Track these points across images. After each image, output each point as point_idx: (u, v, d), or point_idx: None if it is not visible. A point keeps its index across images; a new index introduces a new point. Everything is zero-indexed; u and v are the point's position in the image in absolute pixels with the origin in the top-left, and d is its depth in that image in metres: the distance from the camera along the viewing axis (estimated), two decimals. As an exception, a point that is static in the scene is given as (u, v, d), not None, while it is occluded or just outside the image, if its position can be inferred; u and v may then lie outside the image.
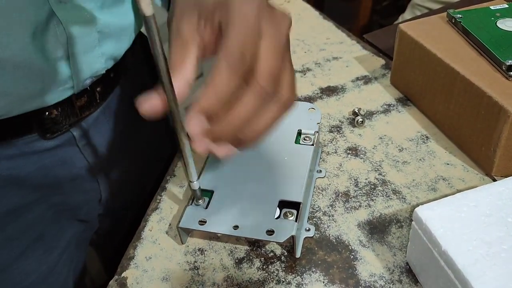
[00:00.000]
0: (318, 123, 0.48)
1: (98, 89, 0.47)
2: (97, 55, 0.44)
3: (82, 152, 0.50)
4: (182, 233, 0.41)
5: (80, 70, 0.43)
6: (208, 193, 0.42)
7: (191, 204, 0.41)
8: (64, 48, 0.40)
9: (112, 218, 0.62)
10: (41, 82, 0.41)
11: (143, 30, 0.62)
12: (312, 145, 0.46)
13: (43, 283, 0.53)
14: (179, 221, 0.40)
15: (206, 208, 0.41)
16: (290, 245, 0.41)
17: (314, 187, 0.46)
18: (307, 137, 0.47)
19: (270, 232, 0.38)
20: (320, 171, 0.48)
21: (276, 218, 0.40)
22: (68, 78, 0.43)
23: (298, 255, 0.41)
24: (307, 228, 0.42)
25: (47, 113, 0.44)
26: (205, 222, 0.40)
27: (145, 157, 0.62)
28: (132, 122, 0.56)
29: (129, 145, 0.57)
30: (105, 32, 0.44)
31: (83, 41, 0.42)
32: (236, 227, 0.39)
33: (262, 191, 0.42)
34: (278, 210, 0.40)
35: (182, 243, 0.42)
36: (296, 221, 0.39)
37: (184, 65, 0.33)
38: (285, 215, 0.40)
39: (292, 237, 0.38)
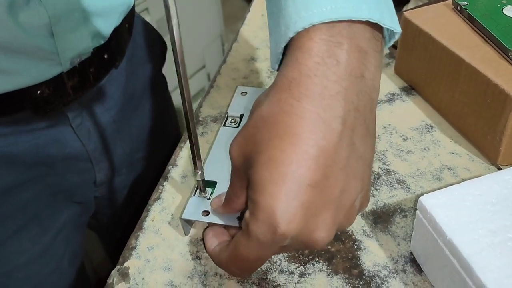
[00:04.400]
0: None
1: (91, 69, 0.46)
2: (83, 34, 0.44)
3: (75, 132, 0.49)
4: (185, 224, 0.41)
5: (66, 49, 0.43)
6: (211, 184, 0.42)
7: (194, 195, 0.41)
8: (47, 27, 0.40)
9: (113, 204, 0.62)
10: (25, 58, 0.40)
11: (137, 10, 0.60)
12: None
13: (35, 263, 0.53)
14: (182, 212, 0.40)
15: (210, 199, 0.41)
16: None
17: (318, 176, 0.46)
18: None
19: None
20: (324, 160, 0.47)
21: None
22: (54, 55, 0.42)
23: (301, 245, 0.40)
24: (310, 218, 0.42)
25: (38, 91, 0.43)
26: (209, 213, 0.39)
27: (145, 143, 0.62)
28: (128, 106, 0.55)
29: (125, 129, 0.56)
30: (90, 11, 0.43)
31: (66, 21, 0.41)
32: (239, 218, 0.39)
33: None
34: None
35: (186, 235, 0.42)
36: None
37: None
38: None
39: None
